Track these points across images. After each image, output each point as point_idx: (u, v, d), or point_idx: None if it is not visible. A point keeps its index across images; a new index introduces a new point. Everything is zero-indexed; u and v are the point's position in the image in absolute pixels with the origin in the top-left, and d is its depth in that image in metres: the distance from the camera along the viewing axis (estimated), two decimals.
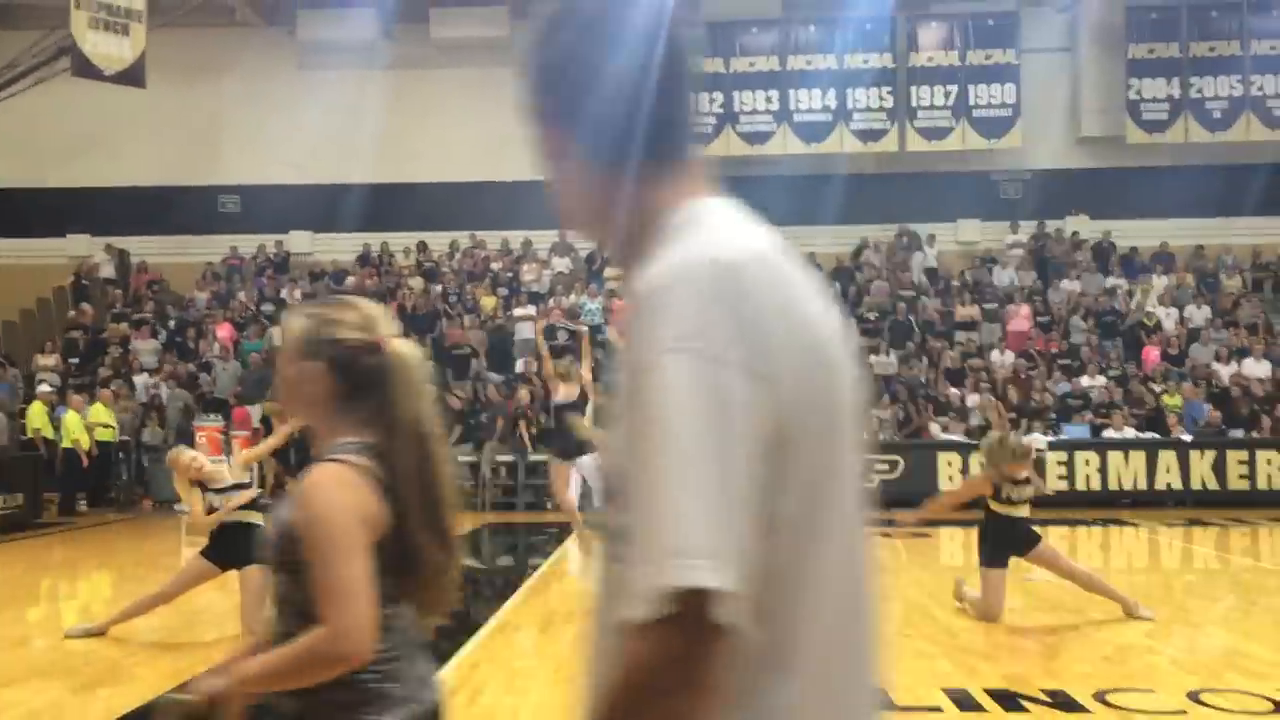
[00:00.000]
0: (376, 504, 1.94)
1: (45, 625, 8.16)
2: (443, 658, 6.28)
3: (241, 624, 6.62)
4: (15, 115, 20.72)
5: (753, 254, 1.19)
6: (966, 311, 19.44)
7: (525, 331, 18.86)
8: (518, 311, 19.30)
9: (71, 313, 20.37)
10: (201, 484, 6.71)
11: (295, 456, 15.26)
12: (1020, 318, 19.10)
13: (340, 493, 1.91)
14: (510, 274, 20.85)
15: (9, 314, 21.20)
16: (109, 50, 17.68)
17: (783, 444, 1.12)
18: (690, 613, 1.04)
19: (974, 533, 11.03)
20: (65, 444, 15.13)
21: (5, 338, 20.63)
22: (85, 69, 17.53)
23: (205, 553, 6.77)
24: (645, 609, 1.05)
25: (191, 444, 16.15)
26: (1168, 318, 19.13)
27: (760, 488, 1.09)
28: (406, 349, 2.08)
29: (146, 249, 21.69)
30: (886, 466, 15.12)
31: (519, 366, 17.82)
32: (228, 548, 6.58)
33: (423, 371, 2.08)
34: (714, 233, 1.21)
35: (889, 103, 21.23)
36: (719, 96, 21.27)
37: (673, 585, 1.04)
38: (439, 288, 20.37)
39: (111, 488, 16.22)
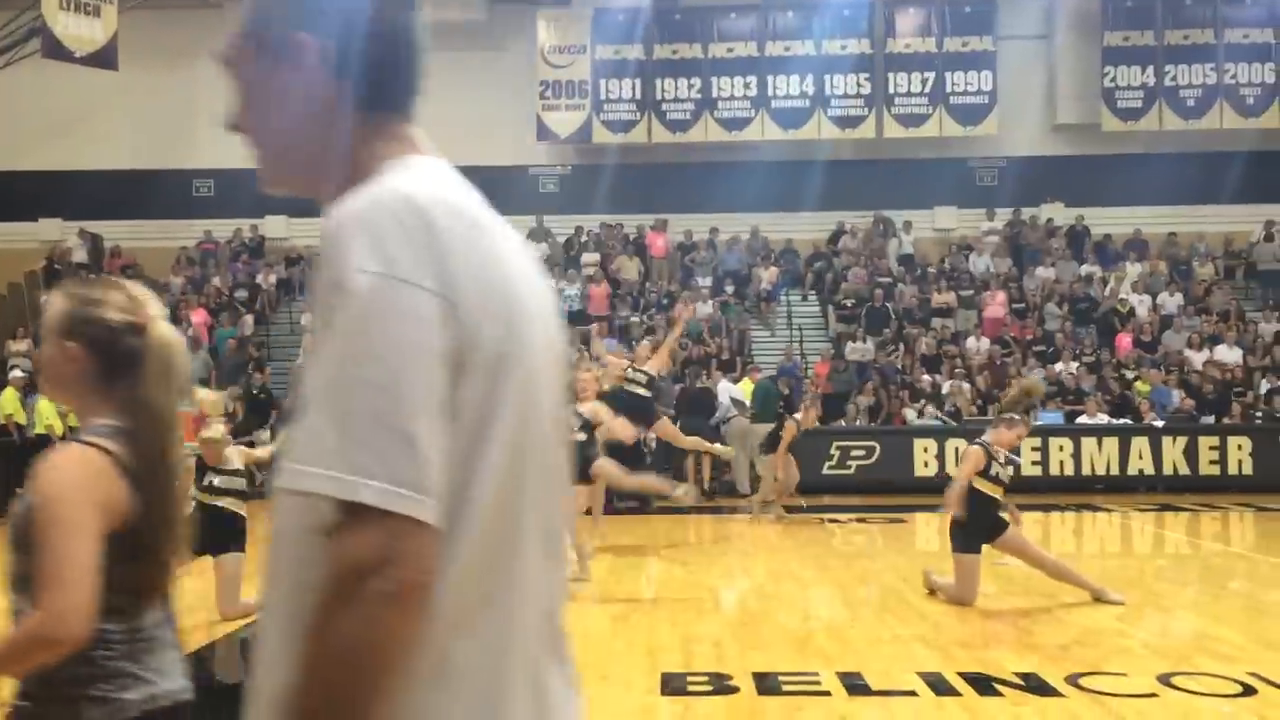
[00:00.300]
0: (120, 490, 1.90)
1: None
2: None
3: (217, 609, 6.64)
4: None
5: (446, 198, 1.24)
6: (943, 298, 19.55)
7: None
8: None
9: (44, 298, 20.15)
10: (201, 462, 6.69)
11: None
12: (996, 304, 19.22)
13: (77, 475, 1.88)
14: None
15: None
16: (80, 32, 17.48)
17: (459, 369, 1.16)
18: (376, 514, 1.09)
19: (947, 518, 11.14)
20: (38, 430, 14.99)
21: None
22: (56, 51, 17.33)
23: None
24: (334, 514, 1.10)
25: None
26: (1141, 305, 19.30)
27: (441, 404, 1.14)
28: (169, 333, 2.04)
29: (120, 233, 21.48)
30: (863, 452, 15.22)
31: None
32: (204, 534, 6.53)
33: (183, 358, 2.05)
34: (413, 176, 1.26)
35: (866, 89, 21.26)
36: (697, 82, 21.27)
37: (335, 493, 1.10)
38: None
39: None
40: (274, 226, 21.77)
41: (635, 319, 18.85)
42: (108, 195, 21.31)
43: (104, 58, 17.68)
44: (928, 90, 21.15)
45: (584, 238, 21.29)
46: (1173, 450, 15.16)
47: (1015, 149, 21.69)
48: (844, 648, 6.05)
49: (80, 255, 21.14)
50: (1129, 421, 15.88)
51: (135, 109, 21.16)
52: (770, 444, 12.40)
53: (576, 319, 19.07)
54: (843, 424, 16.00)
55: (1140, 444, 15.19)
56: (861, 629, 6.55)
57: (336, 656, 1.09)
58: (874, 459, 15.13)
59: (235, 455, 6.90)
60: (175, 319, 19.02)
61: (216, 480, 6.71)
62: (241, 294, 19.84)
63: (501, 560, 1.22)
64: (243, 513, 6.77)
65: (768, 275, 19.96)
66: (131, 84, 19.39)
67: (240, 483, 6.85)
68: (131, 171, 21.43)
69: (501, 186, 22.25)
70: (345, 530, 1.10)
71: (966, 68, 21.12)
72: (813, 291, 20.65)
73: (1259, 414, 16.31)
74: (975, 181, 21.95)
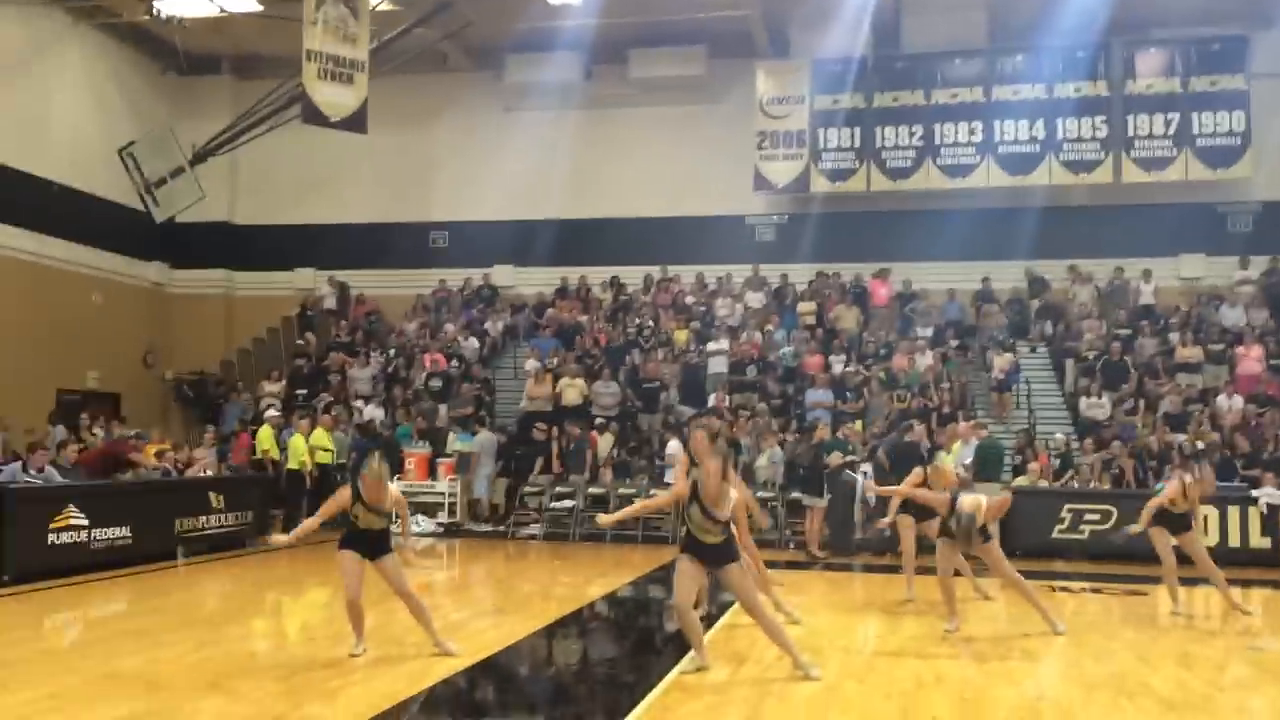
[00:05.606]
0: None
1: (269, 634, 8.76)
2: (632, 697, 6.34)
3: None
4: (252, 159, 22.57)
5: None
6: (1188, 352, 18.24)
7: (718, 366, 18.93)
8: (710, 346, 19.39)
9: (299, 341, 21.83)
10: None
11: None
12: (1251, 359, 17.77)
13: None
14: (704, 308, 21.00)
15: (243, 341, 22.97)
16: (335, 98, 18.99)
17: None
18: None
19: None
20: (291, 465, 16.19)
21: (239, 363, 22.35)
22: (314, 116, 18.89)
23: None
24: None
25: (402, 468, 16.98)
26: None
27: None
28: None
29: (364, 281, 23.07)
30: (1098, 516, 14.31)
31: (710, 400, 17.89)
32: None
33: None
34: None
35: (1103, 132, 20.25)
36: (919, 129, 20.87)
37: None
38: (635, 320, 20.73)
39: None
40: (501, 275, 22.81)
41: (851, 369, 18.53)
42: (354, 246, 22.99)
43: (355, 122, 19.12)
44: (1172, 132, 19.93)
45: (800, 286, 21.18)
46: None
47: (1271, 192, 20.09)
48: None
49: (331, 302, 22.80)
50: None
51: (380, 167, 22.76)
52: None
53: (790, 373, 18.91)
54: (1075, 485, 15.12)
55: None
56: (1095, 712, 6.13)
57: None
58: (1110, 523, 14.19)
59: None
60: (409, 362, 20.20)
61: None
62: (473, 342, 20.82)
63: None
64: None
65: (1000, 362, 18.32)
66: (377, 144, 20.86)
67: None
68: (375, 225, 23.02)
69: (718, 236, 22.66)
70: None
71: (1215, 108, 19.78)
72: (1043, 344, 19.69)
73: None
74: (1226, 227, 20.45)
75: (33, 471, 11.92)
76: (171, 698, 6.15)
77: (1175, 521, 9.88)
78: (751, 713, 5.99)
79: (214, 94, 23.05)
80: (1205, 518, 13.84)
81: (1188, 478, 9.91)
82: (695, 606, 7.35)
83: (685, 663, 7.10)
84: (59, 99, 20.42)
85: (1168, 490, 9.92)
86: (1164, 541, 9.96)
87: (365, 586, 7.42)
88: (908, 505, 10.24)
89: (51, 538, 11.04)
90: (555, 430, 17.41)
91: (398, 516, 7.72)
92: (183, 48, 21.78)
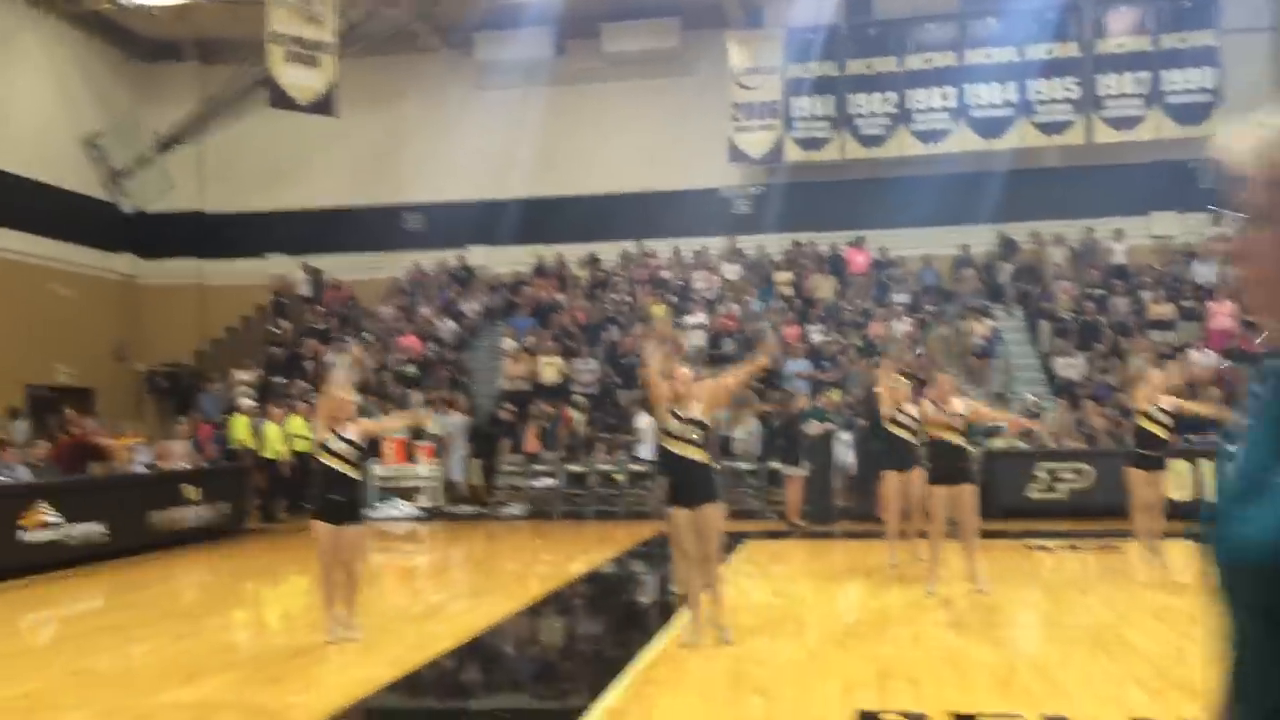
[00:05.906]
0: None
1: (249, 625, 8.71)
2: (616, 670, 6.34)
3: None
4: (220, 146, 22.29)
5: None
6: (1160, 310, 18.31)
7: (696, 339, 18.89)
8: (688, 319, 19.35)
9: (273, 329, 21.64)
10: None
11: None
12: (1223, 315, 17.85)
13: None
14: (681, 282, 20.93)
15: (216, 331, 22.77)
16: (302, 81, 18.77)
17: None
18: None
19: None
20: (267, 455, 16.08)
21: (213, 353, 22.17)
22: (281, 100, 18.67)
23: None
24: None
25: (379, 453, 16.93)
26: None
27: None
28: None
29: (338, 266, 22.85)
30: (1073, 475, 14.39)
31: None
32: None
33: None
34: None
35: (1075, 93, 20.23)
36: (892, 96, 20.78)
37: None
38: (612, 296, 20.63)
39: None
40: (477, 255, 22.65)
41: (829, 338, 18.53)
42: (327, 231, 22.74)
43: (324, 105, 18.91)
44: (1143, 91, 19.92)
45: (776, 257, 21.15)
46: None
47: None
48: (1051, 688, 5.70)
49: (305, 289, 22.59)
50: None
51: (350, 149, 22.48)
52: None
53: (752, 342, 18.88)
54: (1046, 442, 15.18)
55: None
56: (1072, 668, 6.16)
57: None
58: (1088, 482, 14.28)
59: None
60: (386, 347, 20.06)
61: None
62: (450, 324, 20.69)
63: None
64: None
65: (981, 330, 18.34)
66: (347, 125, 20.62)
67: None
68: (347, 208, 22.79)
69: (694, 208, 22.49)
70: None
71: (1185, 65, 19.78)
72: (1018, 306, 19.73)
73: None
74: (1198, 184, 20.49)
75: (2, 469, 11.80)
76: (149, 692, 6.10)
77: (1150, 460, 9.90)
78: (734, 680, 5.99)
79: (178, 80, 22.73)
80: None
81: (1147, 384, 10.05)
82: None
83: (686, 634, 7.01)
84: (20, 89, 20.10)
85: (1149, 390, 9.93)
86: (1139, 483, 10.01)
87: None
88: (896, 460, 10.25)
89: (24, 535, 10.93)
90: (536, 409, 17.35)
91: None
92: (146, 34, 21.47)
